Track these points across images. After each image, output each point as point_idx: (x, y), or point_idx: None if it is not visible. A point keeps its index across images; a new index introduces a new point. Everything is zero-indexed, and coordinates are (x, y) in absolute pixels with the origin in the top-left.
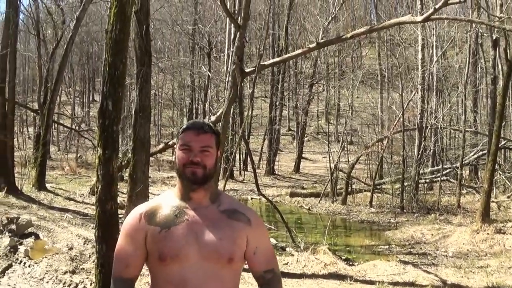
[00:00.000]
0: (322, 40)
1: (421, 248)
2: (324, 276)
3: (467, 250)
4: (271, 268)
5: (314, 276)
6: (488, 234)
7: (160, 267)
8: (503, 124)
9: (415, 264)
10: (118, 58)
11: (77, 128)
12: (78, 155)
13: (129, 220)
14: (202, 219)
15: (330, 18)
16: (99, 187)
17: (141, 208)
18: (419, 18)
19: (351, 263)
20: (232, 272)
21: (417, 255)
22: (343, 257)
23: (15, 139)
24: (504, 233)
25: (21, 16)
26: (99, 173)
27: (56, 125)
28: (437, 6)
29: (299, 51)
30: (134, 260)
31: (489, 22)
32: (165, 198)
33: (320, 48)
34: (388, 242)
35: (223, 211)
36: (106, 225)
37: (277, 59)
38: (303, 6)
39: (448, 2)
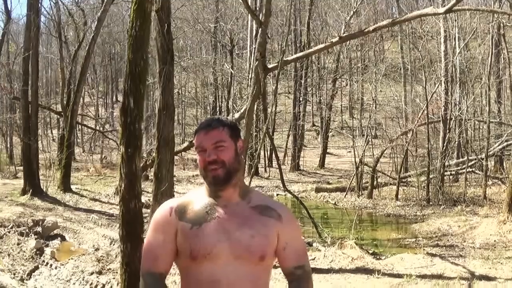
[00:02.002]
0: (344, 34)
1: (448, 240)
2: (351, 271)
3: (494, 241)
4: (302, 264)
5: (341, 270)
6: None
7: (191, 266)
8: None
9: (443, 256)
10: (138, 55)
11: (101, 129)
12: (103, 156)
13: (159, 214)
14: (232, 216)
15: (352, 12)
16: (122, 186)
17: (172, 203)
18: (441, 9)
19: (378, 257)
20: (264, 269)
21: (444, 247)
22: (370, 251)
23: (39, 142)
24: None
25: (43, 18)
26: (122, 172)
27: (80, 127)
28: None
29: (322, 45)
30: (164, 254)
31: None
32: (195, 195)
33: (343, 42)
34: (415, 235)
35: (254, 207)
36: (131, 224)
37: (300, 54)
38: (324, 1)
39: None
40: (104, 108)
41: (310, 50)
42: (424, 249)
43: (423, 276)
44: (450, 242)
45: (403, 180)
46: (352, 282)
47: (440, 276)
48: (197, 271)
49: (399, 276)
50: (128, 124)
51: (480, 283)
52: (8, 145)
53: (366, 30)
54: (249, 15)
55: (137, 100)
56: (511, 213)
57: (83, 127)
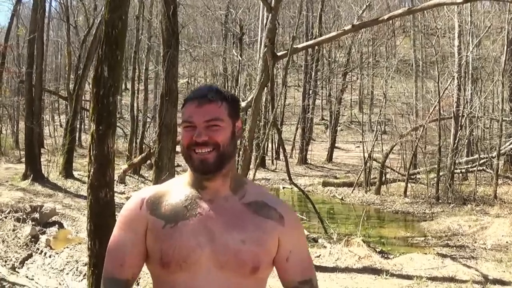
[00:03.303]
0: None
1: (458, 240)
2: (358, 270)
3: (507, 242)
4: (308, 278)
5: (347, 269)
6: None
7: (162, 274)
8: None
9: (454, 257)
10: (116, 14)
11: None
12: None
13: (128, 206)
14: (219, 213)
15: (365, 6)
16: (92, 171)
17: (144, 193)
18: None
19: (386, 256)
20: (256, 283)
21: (454, 248)
22: (378, 250)
23: (47, 127)
24: None
25: (54, 3)
26: (91, 154)
27: (87, 112)
28: None
29: (334, 33)
30: (131, 257)
31: None
32: (175, 184)
33: (355, 31)
34: (424, 234)
35: (248, 205)
36: (100, 216)
37: (310, 42)
38: None
39: None
40: None
41: (322, 38)
42: (434, 249)
43: (434, 278)
44: (461, 242)
45: (412, 176)
46: (359, 283)
47: (452, 279)
48: (170, 282)
49: (408, 277)
50: (100, 97)
51: None
52: (15, 129)
53: (380, 18)
54: (260, 1)
55: (113, 68)
56: None
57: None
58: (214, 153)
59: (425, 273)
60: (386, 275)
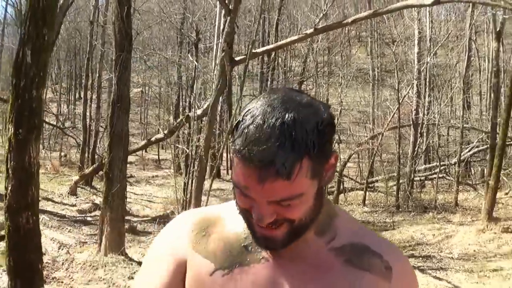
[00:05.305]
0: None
1: (423, 250)
2: None
3: (474, 251)
4: None
5: None
6: (495, 233)
7: None
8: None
9: (422, 269)
10: None
11: (61, 125)
12: (62, 153)
13: (163, 237)
14: (295, 261)
15: (321, 15)
16: (9, 188)
17: (188, 218)
18: (428, 0)
19: None
20: None
21: (420, 258)
22: None
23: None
24: None
25: (9, 9)
26: (8, 165)
27: None
28: None
29: (296, 37)
30: None
31: (505, 5)
32: (231, 209)
33: (318, 34)
34: None
35: (339, 249)
36: (20, 249)
37: (270, 46)
38: (293, 4)
39: None
40: (67, 104)
41: (283, 41)
42: None
43: None
44: (426, 252)
45: (370, 185)
46: None
47: None
48: None
49: None
50: (21, 90)
51: None
52: None
53: (345, 21)
54: (218, 4)
55: (37, 51)
56: (490, 222)
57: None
58: (284, 229)
59: None
60: None
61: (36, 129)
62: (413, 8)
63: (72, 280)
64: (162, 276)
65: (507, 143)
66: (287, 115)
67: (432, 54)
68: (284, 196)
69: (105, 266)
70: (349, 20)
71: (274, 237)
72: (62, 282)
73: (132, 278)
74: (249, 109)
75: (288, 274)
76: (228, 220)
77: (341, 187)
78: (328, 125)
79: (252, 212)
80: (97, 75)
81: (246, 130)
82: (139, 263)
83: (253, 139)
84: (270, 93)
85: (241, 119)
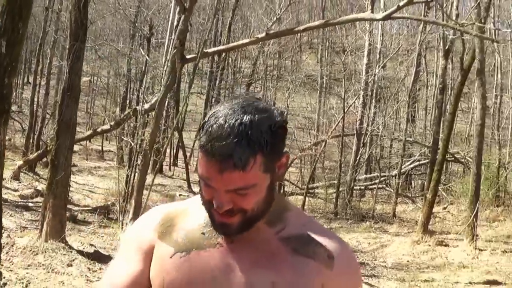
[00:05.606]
0: (272, 31)
1: (357, 257)
2: None
3: (407, 261)
4: None
5: None
6: (429, 245)
7: None
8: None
9: None
10: None
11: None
12: (7, 137)
13: (134, 229)
14: (247, 247)
15: (275, 19)
16: None
17: (156, 212)
18: (379, 15)
19: None
20: None
21: None
22: None
23: None
24: (446, 245)
25: None
26: None
27: None
28: (401, 4)
29: (247, 40)
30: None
31: (454, 25)
32: (195, 203)
33: (269, 39)
34: None
35: (286, 239)
36: None
37: (221, 47)
38: (248, 6)
39: (414, 0)
40: (14, 88)
41: (234, 43)
42: None
43: None
44: (360, 260)
45: (310, 191)
46: None
47: None
48: None
49: None
50: None
51: None
52: None
53: (296, 29)
54: (173, 0)
55: (12, 44)
56: (426, 234)
57: None
58: (239, 218)
59: None
60: None
61: (5, 113)
62: None
63: (12, 264)
64: (132, 264)
65: (447, 158)
66: (245, 117)
67: (380, 66)
68: (240, 185)
69: (45, 252)
70: (301, 28)
71: (230, 224)
72: (2, 265)
73: (71, 265)
74: (214, 112)
75: (239, 258)
76: (192, 212)
77: (282, 190)
78: (280, 127)
79: (213, 202)
80: (48, 61)
81: (210, 129)
82: (79, 252)
83: (215, 136)
84: (232, 99)
85: (206, 120)
